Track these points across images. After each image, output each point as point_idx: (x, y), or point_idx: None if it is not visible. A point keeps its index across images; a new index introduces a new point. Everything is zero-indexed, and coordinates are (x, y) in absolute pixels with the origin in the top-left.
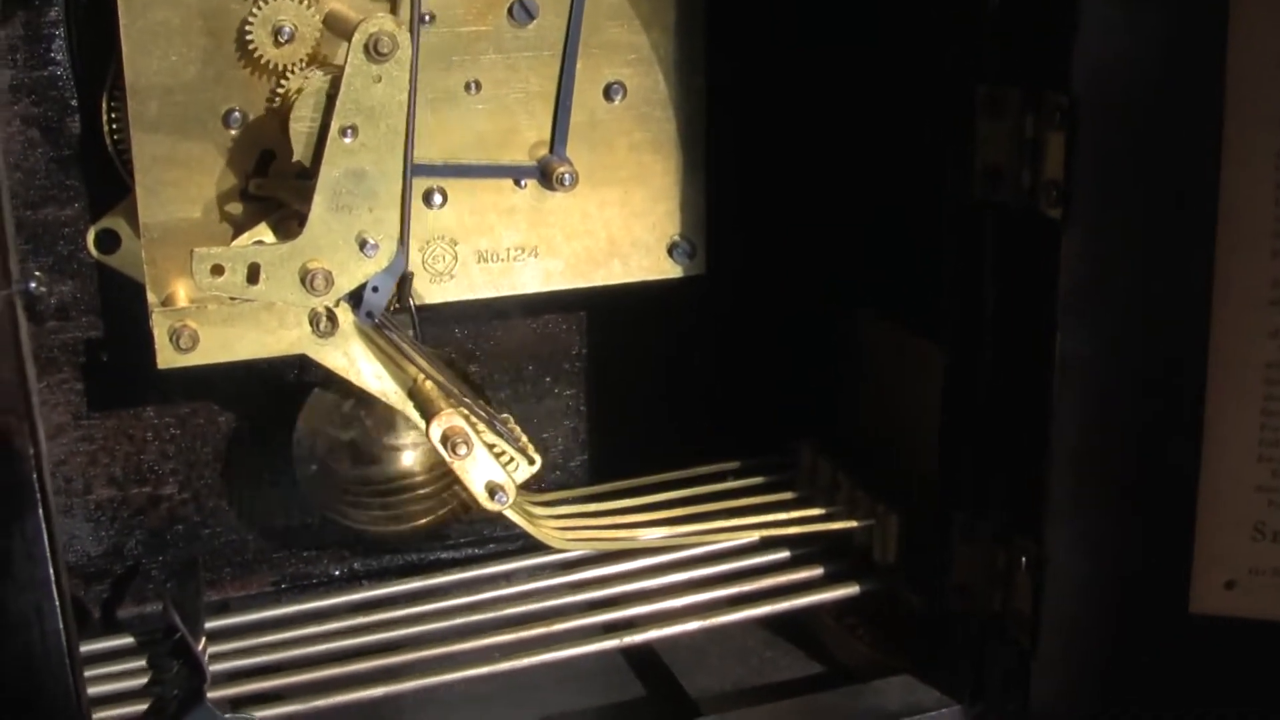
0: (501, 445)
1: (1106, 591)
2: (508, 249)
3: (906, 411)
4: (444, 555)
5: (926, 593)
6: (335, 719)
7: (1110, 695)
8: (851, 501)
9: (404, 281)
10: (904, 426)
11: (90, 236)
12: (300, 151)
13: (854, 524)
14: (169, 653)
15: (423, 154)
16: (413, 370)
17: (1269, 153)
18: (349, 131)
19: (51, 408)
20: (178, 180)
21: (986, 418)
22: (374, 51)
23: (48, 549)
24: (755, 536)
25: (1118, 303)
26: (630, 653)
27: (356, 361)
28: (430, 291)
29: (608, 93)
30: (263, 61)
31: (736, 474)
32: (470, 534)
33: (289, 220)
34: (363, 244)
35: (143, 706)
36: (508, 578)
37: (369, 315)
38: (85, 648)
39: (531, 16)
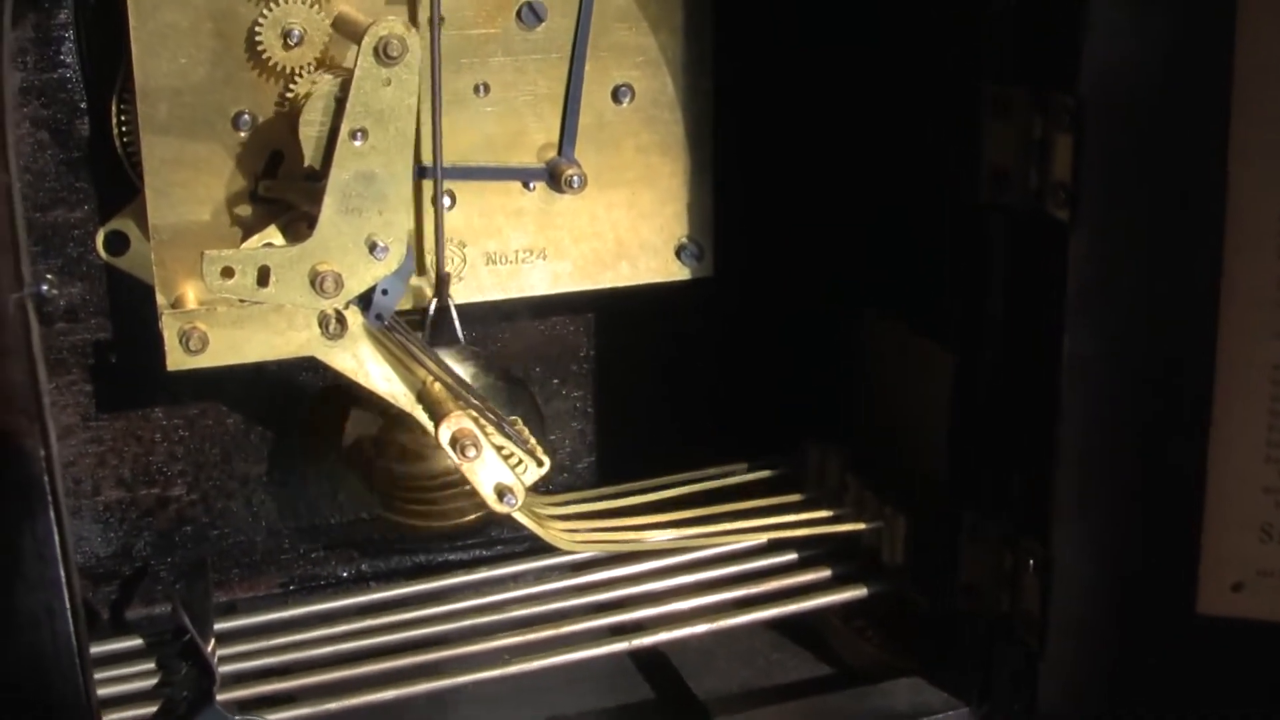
0: (510, 447)
1: (1114, 593)
2: (516, 251)
3: (912, 413)
4: (452, 557)
5: (934, 594)
6: None
7: (1118, 696)
8: (859, 503)
9: (441, 282)
10: (909, 427)
11: (99, 238)
12: (311, 156)
13: (862, 526)
14: (178, 654)
15: (428, 157)
16: (421, 373)
17: (1276, 153)
18: (359, 134)
19: (60, 409)
20: (187, 182)
21: (994, 419)
22: (384, 55)
23: (58, 550)
24: (763, 539)
25: (1125, 304)
26: (638, 655)
27: (365, 364)
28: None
29: (616, 95)
30: (272, 64)
31: (743, 476)
32: (478, 535)
33: (298, 222)
34: (372, 246)
35: (152, 708)
36: (515, 579)
37: (378, 318)
38: (94, 649)
39: (540, 19)
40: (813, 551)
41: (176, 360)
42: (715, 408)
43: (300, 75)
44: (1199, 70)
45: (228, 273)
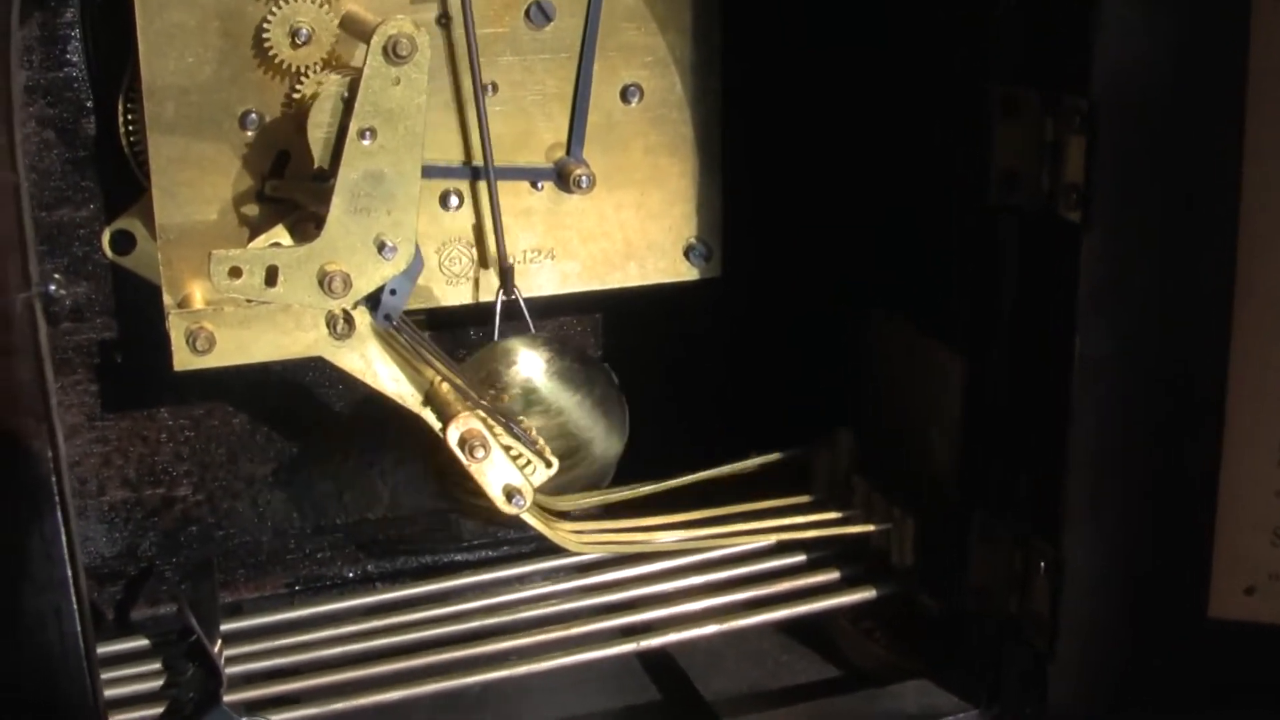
0: (518, 448)
1: (1125, 595)
2: (524, 251)
3: (921, 414)
4: (458, 557)
5: (943, 595)
6: None
7: (1127, 699)
8: (868, 504)
9: (506, 274)
10: (918, 428)
11: (105, 238)
12: (320, 157)
13: (871, 527)
14: (184, 655)
15: (440, 155)
16: (430, 373)
17: None
18: (367, 134)
19: (66, 409)
20: (194, 181)
21: (1004, 420)
22: (393, 54)
23: (66, 550)
24: (771, 540)
25: (1137, 305)
26: (646, 656)
27: (373, 364)
28: (447, 294)
29: (624, 95)
30: (279, 63)
31: (752, 476)
32: (484, 535)
33: (305, 222)
34: (381, 246)
35: (158, 709)
36: (522, 580)
37: (386, 318)
38: (100, 649)
39: (549, 18)
40: (821, 553)
41: (183, 360)
42: (723, 408)
43: (308, 74)
44: (1212, 70)
45: (235, 273)
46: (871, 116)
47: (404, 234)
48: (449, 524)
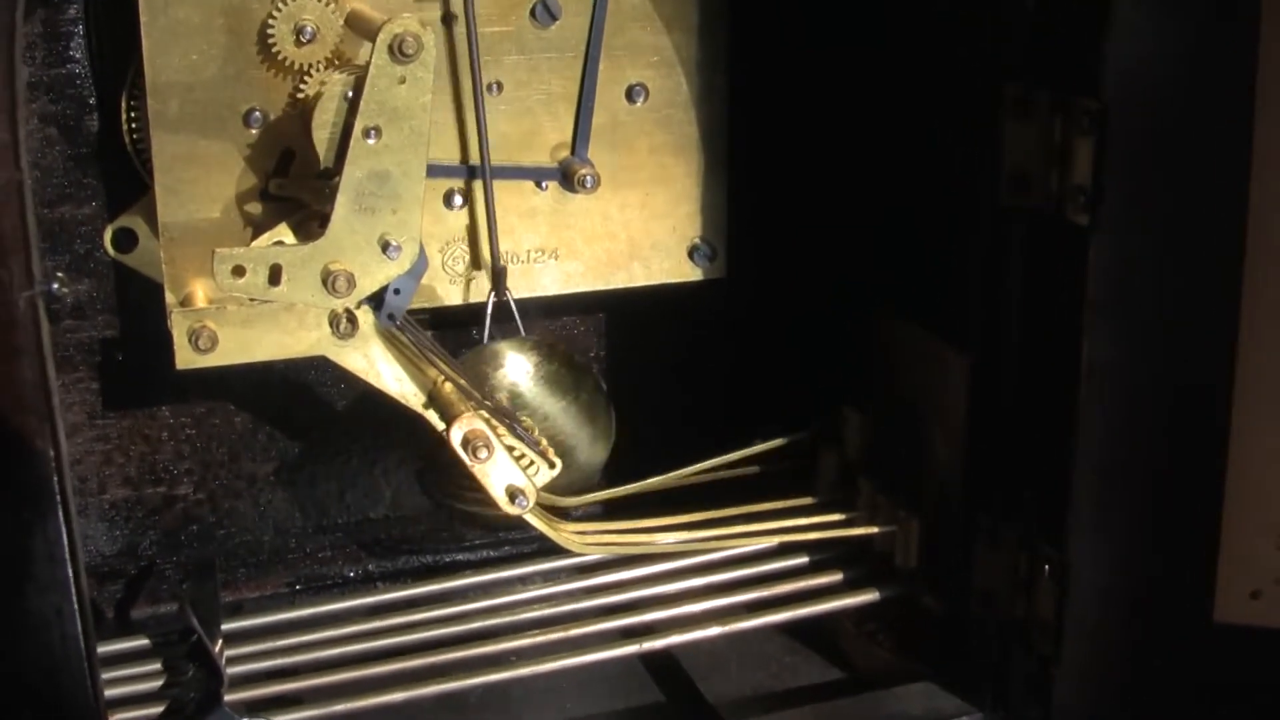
0: (521, 448)
1: (1130, 599)
2: (528, 251)
3: (924, 416)
4: (460, 557)
5: (947, 598)
6: None
7: (1133, 704)
8: (872, 506)
9: (498, 276)
10: (921, 430)
11: (107, 235)
12: (325, 156)
13: (875, 530)
14: (185, 654)
15: (444, 155)
16: (433, 373)
17: None
18: (372, 133)
19: (67, 407)
20: (197, 179)
21: (1011, 423)
22: (398, 52)
23: (67, 551)
24: (774, 542)
25: (1145, 309)
26: (648, 658)
27: (376, 364)
28: (449, 293)
29: (630, 94)
30: (284, 61)
31: (756, 477)
32: (486, 535)
33: (309, 221)
34: (385, 246)
35: (159, 709)
36: (525, 581)
37: (390, 317)
38: (100, 649)
39: (554, 17)
40: (825, 555)
41: (185, 359)
42: (728, 409)
43: (312, 72)
44: (1222, 73)
45: (238, 271)
46: (878, 117)
47: (409, 233)
48: (451, 524)
